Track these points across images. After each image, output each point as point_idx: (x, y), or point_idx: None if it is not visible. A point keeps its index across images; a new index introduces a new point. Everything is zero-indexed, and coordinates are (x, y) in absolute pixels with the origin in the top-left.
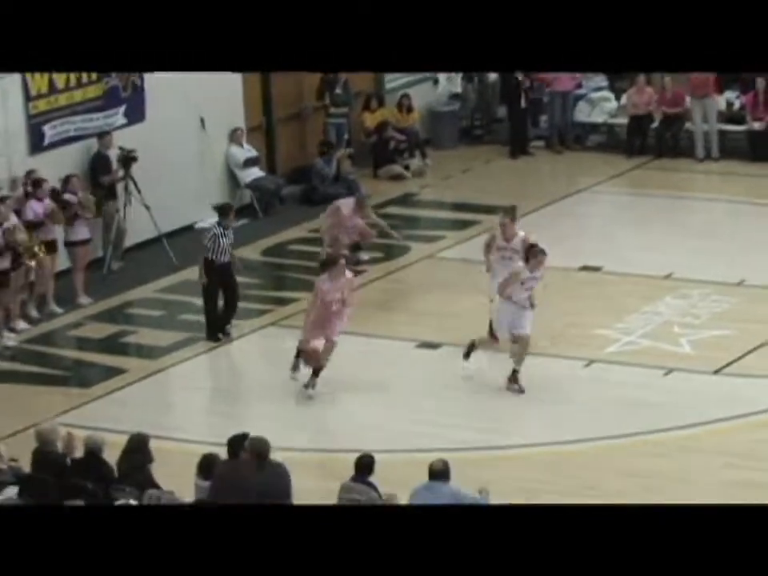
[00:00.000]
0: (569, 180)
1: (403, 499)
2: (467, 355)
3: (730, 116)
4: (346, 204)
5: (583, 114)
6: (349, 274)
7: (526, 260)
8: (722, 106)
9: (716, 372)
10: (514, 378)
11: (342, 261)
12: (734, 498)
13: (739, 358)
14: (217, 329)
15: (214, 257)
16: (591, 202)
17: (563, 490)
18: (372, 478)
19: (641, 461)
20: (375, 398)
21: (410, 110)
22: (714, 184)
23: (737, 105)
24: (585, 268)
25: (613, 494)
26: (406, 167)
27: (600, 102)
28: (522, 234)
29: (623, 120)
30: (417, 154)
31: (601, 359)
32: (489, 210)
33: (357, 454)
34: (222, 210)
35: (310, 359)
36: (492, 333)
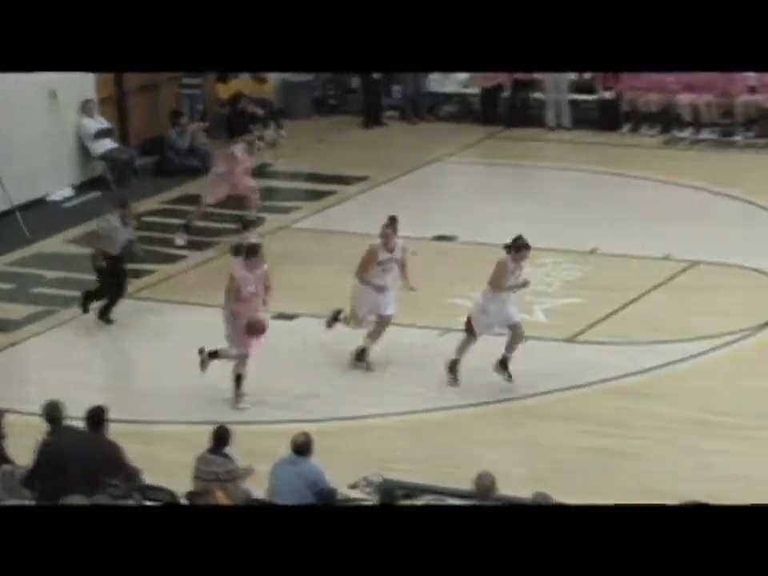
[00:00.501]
0: (422, 150)
1: (264, 471)
2: (330, 323)
3: (581, 85)
4: (238, 147)
5: (436, 84)
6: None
7: (509, 251)
8: (573, 75)
9: (569, 339)
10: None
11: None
12: (587, 464)
13: (592, 326)
14: (101, 314)
15: (107, 246)
16: (445, 172)
17: (416, 459)
18: (230, 450)
19: (495, 429)
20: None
21: (263, 80)
22: (566, 153)
23: (588, 74)
24: (439, 237)
25: (466, 463)
26: (260, 138)
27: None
28: (400, 242)
29: (476, 90)
30: (271, 124)
31: (455, 328)
32: (343, 180)
33: (215, 426)
34: (120, 200)
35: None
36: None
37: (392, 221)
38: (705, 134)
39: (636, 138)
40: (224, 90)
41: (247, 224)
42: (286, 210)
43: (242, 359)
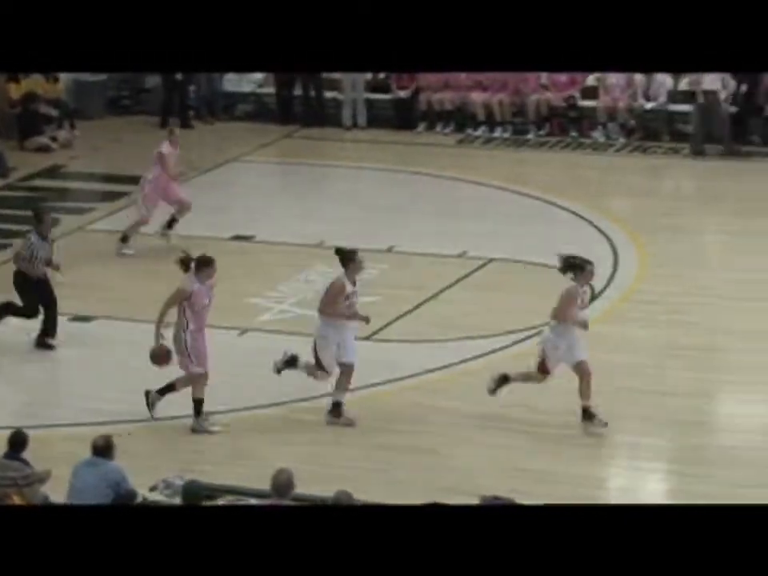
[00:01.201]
0: (219, 150)
1: (65, 475)
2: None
3: (376, 84)
4: (164, 145)
5: (231, 83)
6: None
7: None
8: (369, 74)
9: (367, 338)
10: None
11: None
12: (385, 461)
13: (388, 324)
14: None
15: (29, 268)
16: (242, 172)
17: (215, 460)
18: (26, 455)
19: (296, 428)
20: (38, 371)
21: (56, 80)
22: (362, 152)
23: (382, 73)
24: (236, 237)
25: (268, 463)
26: (53, 138)
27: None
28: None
29: (271, 89)
30: (65, 125)
31: (254, 328)
32: (139, 181)
33: (11, 431)
34: (36, 216)
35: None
36: None
37: (352, 253)
38: (498, 133)
39: (431, 137)
40: (15, 90)
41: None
42: (82, 211)
43: (199, 380)
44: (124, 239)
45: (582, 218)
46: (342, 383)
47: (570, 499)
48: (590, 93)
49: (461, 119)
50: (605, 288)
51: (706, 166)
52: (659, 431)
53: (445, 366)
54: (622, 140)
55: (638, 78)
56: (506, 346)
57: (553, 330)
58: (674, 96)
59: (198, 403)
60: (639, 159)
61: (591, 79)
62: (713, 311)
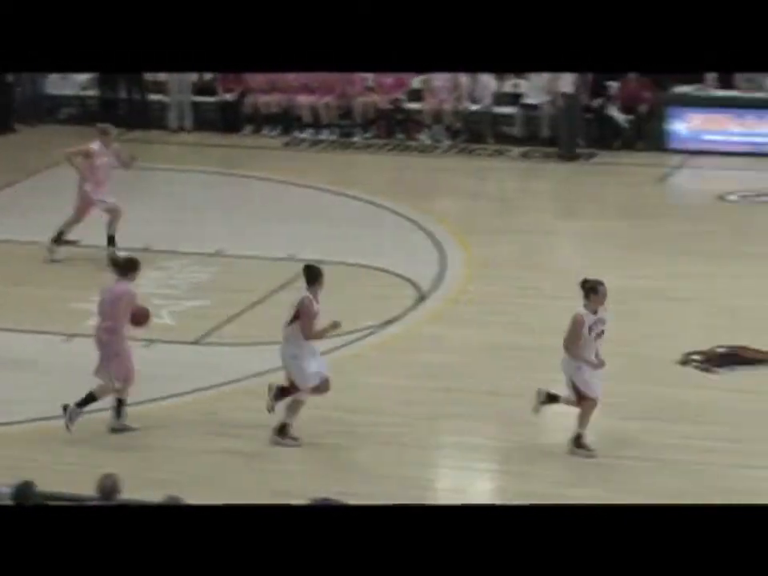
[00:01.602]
0: (43, 153)
1: None
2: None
3: (202, 86)
4: (95, 144)
5: (54, 86)
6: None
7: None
8: (195, 76)
9: (196, 342)
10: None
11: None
12: (216, 465)
13: (218, 327)
14: None
15: None
16: (66, 176)
17: (45, 466)
18: None
19: (126, 434)
20: None
21: None
22: (188, 155)
23: (209, 75)
24: (64, 242)
25: (100, 469)
26: None
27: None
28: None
29: (94, 92)
30: None
31: (81, 333)
32: None
33: None
34: None
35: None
36: None
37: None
38: (325, 135)
39: (257, 140)
40: None
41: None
42: None
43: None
44: (60, 240)
45: (409, 219)
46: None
47: (399, 500)
48: (416, 95)
49: (287, 122)
50: (432, 289)
51: (531, 168)
52: (487, 431)
53: (274, 369)
54: (447, 142)
55: (464, 80)
56: (336, 348)
57: (566, 363)
58: (499, 98)
59: (120, 404)
60: (465, 161)
61: (417, 82)
62: (540, 311)
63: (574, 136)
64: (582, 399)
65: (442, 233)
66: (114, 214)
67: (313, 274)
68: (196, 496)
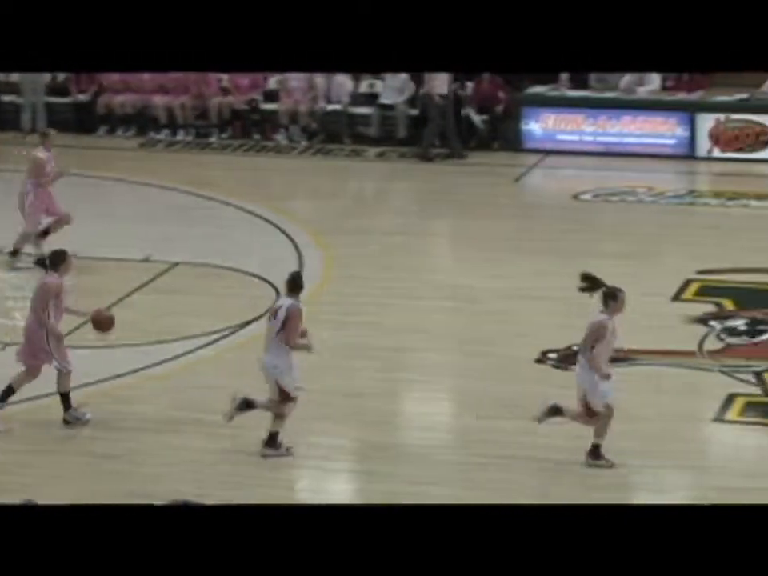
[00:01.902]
0: None
1: None
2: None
3: (55, 87)
4: (39, 150)
5: None
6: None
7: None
8: (49, 76)
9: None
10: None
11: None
12: (80, 468)
13: (74, 330)
14: None
15: None
16: None
17: None
18: None
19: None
20: None
21: None
22: None
23: (62, 76)
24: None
25: None
26: None
27: None
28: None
29: None
30: None
31: None
32: None
33: None
34: None
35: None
36: None
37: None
38: (181, 136)
39: (112, 141)
40: None
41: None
42: None
43: (66, 374)
44: (14, 253)
45: (265, 220)
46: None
47: (263, 500)
48: (272, 96)
49: (142, 122)
50: None
51: (388, 168)
52: (345, 431)
53: (134, 371)
54: (304, 143)
55: (319, 80)
56: (194, 350)
57: (582, 368)
58: (355, 99)
59: (66, 396)
60: (322, 162)
61: (273, 82)
62: (398, 312)
63: (450, 136)
64: (592, 415)
65: (299, 233)
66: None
67: (297, 283)
68: (55, 497)
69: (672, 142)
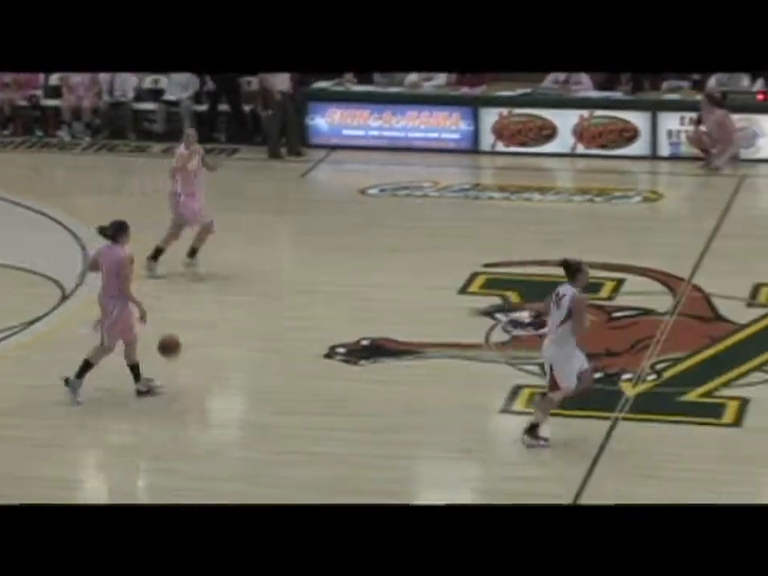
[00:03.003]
0: None
1: None
2: None
3: None
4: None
5: None
6: None
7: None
8: None
9: None
10: None
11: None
12: None
13: None
14: None
15: None
16: None
17: None
18: None
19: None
20: None
21: None
22: None
23: None
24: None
25: None
26: None
27: None
28: None
29: None
30: None
31: None
32: None
33: None
34: None
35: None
36: None
37: None
38: None
39: None
40: None
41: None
42: None
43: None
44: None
45: (49, 218)
46: None
47: (48, 500)
48: (55, 92)
49: None
50: (76, 287)
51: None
52: (137, 429)
53: None
54: (88, 139)
55: (102, 75)
56: None
57: (555, 342)
58: (139, 94)
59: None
60: (106, 158)
61: (54, 78)
62: (186, 307)
63: (290, 135)
64: (556, 389)
65: (84, 231)
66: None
67: (573, 269)
68: None
69: (456, 136)
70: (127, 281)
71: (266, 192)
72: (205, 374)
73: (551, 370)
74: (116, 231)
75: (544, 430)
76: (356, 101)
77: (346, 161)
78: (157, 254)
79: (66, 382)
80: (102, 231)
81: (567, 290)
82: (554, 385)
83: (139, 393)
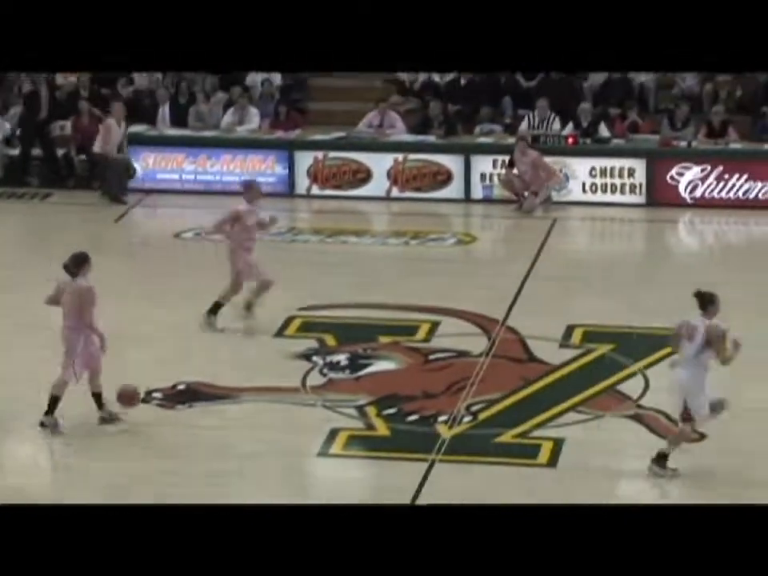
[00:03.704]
0: None
1: None
2: None
3: None
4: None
5: None
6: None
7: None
8: None
9: None
10: None
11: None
12: None
13: None
14: None
15: None
16: None
17: None
18: None
19: None
20: None
21: None
22: None
23: None
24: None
25: None
26: None
27: None
28: None
29: None
30: None
31: None
32: None
33: None
34: None
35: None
36: None
37: None
38: None
39: None
40: None
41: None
42: None
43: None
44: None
45: None
46: None
47: None
48: None
49: None
50: None
51: None
52: None
53: None
54: None
55: None
56: None
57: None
58: None
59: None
60: None
61: None
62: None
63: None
64: (689, 419)
65: None
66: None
67: (705, 300)
68: None
69: (272, 180)
70: (88, 312)
71: (79, 236)
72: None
73: (685, 401)
74: (77, 265)
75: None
76: (170, 144)
77: (161, 205)
78: (216, 308)
79: (41, 424)
80: (66, 267)
81: (699, 322)
82: (686, 415)
83: (103, 420)
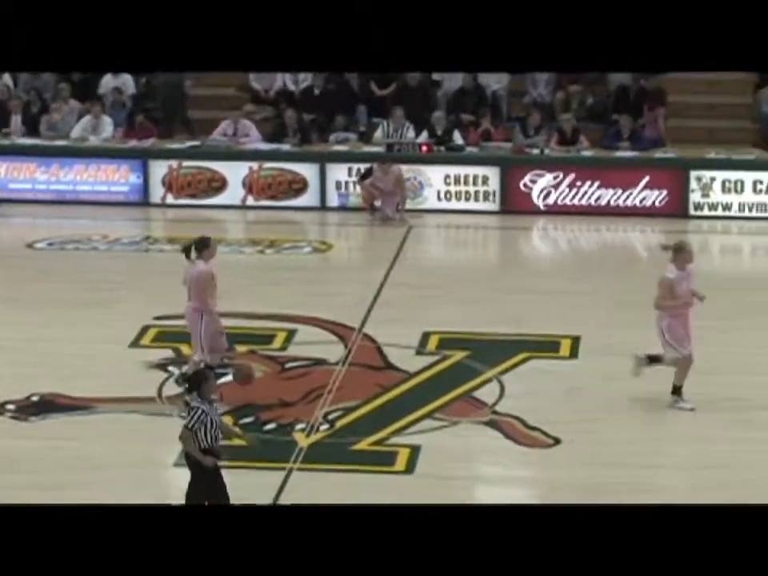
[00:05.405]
0: None
1: None
2: None
3: None
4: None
5: None
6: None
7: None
8: None
9: None
10: None
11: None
12: None
13: None
14: None
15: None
16: None
17: None
18: None
19: None
20: None
21: None
22: None
23: None
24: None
25: None
26: None
27: None
28: None
29: None
30: None
31: None
32: None
33: None
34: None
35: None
36: None
37: None
38: None
39: None
40: None
41: None
42: None
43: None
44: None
45: None
46: None
47: None
48: None
49: None
50: None
51: None
52: None
53: None
54: None
55: None
56: None
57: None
58: None
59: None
60: None
61: None
62: None
63: None
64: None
65: None
66: None
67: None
68: None
69: (126, 189)
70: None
71: None
72: None
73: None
74: (197, 249)
75: None
76: (23, 153)
77: (13, 214)
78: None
79: None
80: (185, 251)
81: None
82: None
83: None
